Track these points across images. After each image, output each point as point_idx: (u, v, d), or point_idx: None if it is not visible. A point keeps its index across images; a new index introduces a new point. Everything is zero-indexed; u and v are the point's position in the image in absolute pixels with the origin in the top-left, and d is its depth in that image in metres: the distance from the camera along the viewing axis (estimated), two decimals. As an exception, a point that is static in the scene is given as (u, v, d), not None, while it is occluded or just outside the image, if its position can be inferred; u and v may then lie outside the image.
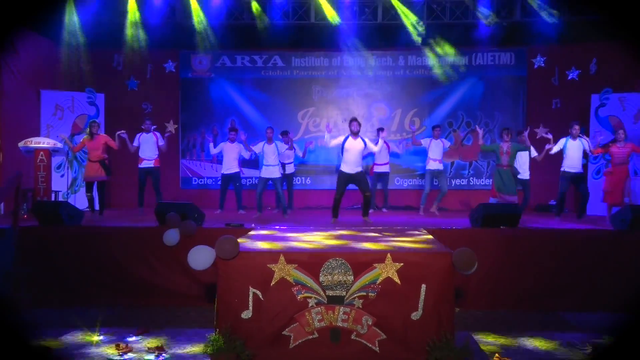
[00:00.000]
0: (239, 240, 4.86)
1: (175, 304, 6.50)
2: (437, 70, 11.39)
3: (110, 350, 4.93)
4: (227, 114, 11.87)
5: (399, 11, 10.75)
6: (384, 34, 11.27)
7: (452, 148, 9.73)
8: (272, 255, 4.54)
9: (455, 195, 11.42)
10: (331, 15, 10.73)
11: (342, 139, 8.24)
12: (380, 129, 9.71)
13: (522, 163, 9.19)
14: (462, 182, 11.69)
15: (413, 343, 4.40)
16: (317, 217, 9.17)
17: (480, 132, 9.23)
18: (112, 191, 11.04)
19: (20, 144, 9.11)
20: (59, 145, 9.44)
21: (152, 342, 5.15)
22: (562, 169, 8.96)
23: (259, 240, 5.34)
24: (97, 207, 9.23)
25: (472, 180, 11.71)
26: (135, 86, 11.74)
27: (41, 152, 9.02)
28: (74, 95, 10.94)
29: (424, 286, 4.45)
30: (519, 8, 10.68)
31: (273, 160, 9.29)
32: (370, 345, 4.43)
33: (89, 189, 9.12)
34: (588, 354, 4.92)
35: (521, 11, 10.70)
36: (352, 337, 4.43)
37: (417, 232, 6.27)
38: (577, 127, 8.92)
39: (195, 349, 4.99)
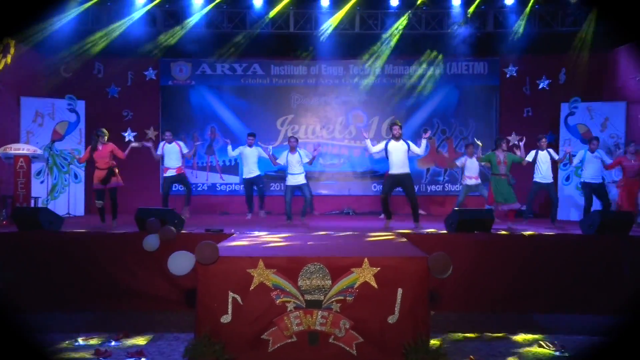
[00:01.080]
0: (219, 245, 4.94)
1: (155, 308, 6.54)
2: (413, 79, 11.63)
3: (89, 355, 4.96)
4: (207, 120, 11.94)
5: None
6: (361, 43, 11.46)
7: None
8: (252, 260, 4.63)
9: (430, 201, 11.63)
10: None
11: (384, 143, 8.34)
12: (424, 130, 9.65)
13: (546, 168, 8.99)
14: (438, 188, 11.90)
15: (390, 346, 4.53)
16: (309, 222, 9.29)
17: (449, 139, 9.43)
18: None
19: (0, 151, 9.08)
20: (39, 151, 9.41)
21: (132, 347, 5.21)
22: (582, 180, 9.19)
23: (238, 246, 5.43)
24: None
25: (447, 186, 11.92)
26: (115, 93, 11.74)
27: (21, 159, 8.98)
28: (54, 101, 10.93)
29: (400, 290, 4.58)
30: (491, 19, 10.98)
31: (298, 169, 9.24)
32: (347, 349, 4.53)
33: (99, 196, 8.70)
34: (558, 354, 5.11)
35: (494, 22, 11.00)
36: (330, 340, 4.54)
37: (393, 237, 6.42)
38: (595, 142, 9.13)
39: (174, 353, 5.05)
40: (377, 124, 11.94)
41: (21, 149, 9.20)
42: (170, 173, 9.57)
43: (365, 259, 4.62)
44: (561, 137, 10.72)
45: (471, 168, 9.65)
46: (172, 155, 9.56)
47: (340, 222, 9.72)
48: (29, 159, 9.11)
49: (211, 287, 4.60)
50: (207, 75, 11.96)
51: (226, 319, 4.57)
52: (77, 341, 5.37)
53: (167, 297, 6.60)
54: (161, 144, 9.71)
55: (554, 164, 9.24)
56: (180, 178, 9.68)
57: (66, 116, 11.04)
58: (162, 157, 9.59)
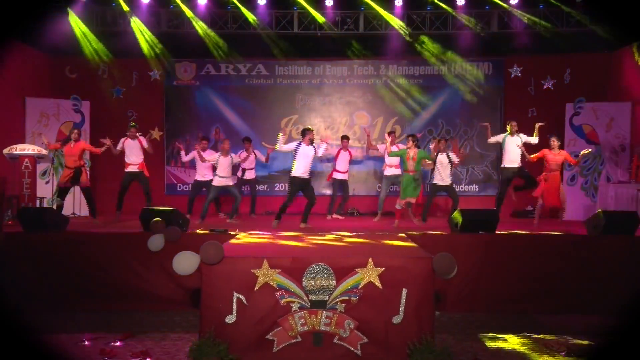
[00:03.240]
0: (224, 245, 4.95)
1: (159, 309, 6.55)
2: (418, 79, 11.63)
3: (94, 356, 4.97)
4: (212, 121, 11.94)
5: (384, 17, 10.98)
6: (365, 44, 11.47)
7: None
8: (256, 261, 4.64)
9: (435, 201, 11.59)
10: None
11: (295, 144, 8.55)
12: (344, 137, 10.54)
13: (443, 170, 9.28)
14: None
15: (394, 346, 4.54)
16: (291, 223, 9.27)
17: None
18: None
19: (5, 151, 9.10)
20: (44, 152, 9.44)
21: (136, 347, 5.21)
22: (502, 165, 9.38)
23: (243, 246, 5.43)
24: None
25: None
26: (120, 94, 11.78)
27: (26, 159, 9.03)
28: (59, 102, 10.95)
29: (404, 290, 4.59)
30: (496, 20, 10.96)
31: (227, 173, 9.48)
32: (352, 349, 4.54)
33: (61, 194, 8.91)
34: (563, 355, 5.09)
35: (498, 22, 10.98)
36: (335, 340, 4.55)
37: (398, 237, 6.41)
38: (514, 124, 9.35)
39: (179, 353, 5.06)
40: (381, 124, 11.93)
41: (26, 149, 9.23)
42: (132, 169, 9.45)
43: (370, 259, 4.62)
44: (566, 137, 10.67)
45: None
46: (134, 150, 9.45)
47: (344, 222, 9.71)
48: (34, 159, 9.15)
49: (216, 287, 4.61)
50: (211, 75, 11.97)
51: (230, 319, 4.58)
52: (82, 341, 5.38)
53: (172, 297, 6.60)
54: (122, 139, 9.55)
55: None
56: (140, 175, 9.51)
57: (71, 116, 11.07)
58: (123, 152, 9.46)
